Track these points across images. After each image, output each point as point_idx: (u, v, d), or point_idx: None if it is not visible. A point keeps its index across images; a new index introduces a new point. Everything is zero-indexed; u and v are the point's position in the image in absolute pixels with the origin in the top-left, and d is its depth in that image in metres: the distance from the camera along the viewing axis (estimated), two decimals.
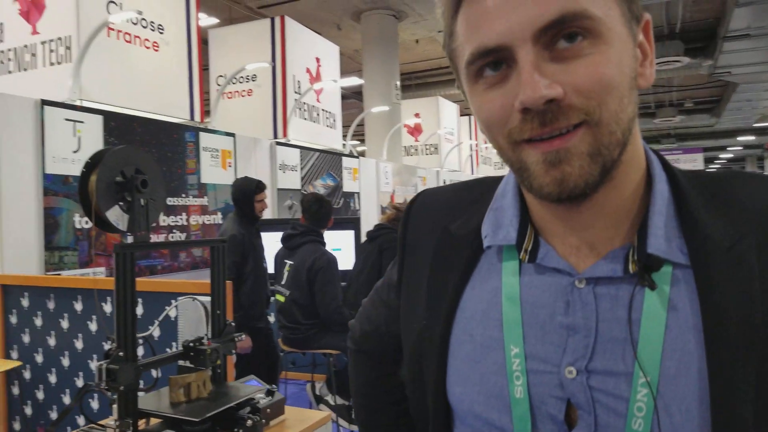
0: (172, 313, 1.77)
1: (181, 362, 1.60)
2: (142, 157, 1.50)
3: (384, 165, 8.79)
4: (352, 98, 15.42)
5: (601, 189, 0.58)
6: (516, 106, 0.54)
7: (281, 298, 3.73)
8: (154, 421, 1.52)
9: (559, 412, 0.59)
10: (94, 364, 2.96)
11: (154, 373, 1.60)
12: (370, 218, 8.28)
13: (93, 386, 1.39)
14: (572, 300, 0.60)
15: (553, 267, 0.62)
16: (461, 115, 13.97)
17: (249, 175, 5.69)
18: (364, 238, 7.75)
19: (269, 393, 1.68)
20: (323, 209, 3.77)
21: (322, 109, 7.74)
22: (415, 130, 12.29)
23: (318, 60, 7.69)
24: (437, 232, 0.74)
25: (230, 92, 7.07)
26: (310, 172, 6.86)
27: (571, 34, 0.53)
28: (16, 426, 3.41)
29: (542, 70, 0.53)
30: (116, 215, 1.45)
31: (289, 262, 3.71)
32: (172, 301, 1.80)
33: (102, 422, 1.46)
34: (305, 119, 7.29)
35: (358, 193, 7.87)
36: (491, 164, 16.79)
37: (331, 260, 3.64)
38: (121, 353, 1.37)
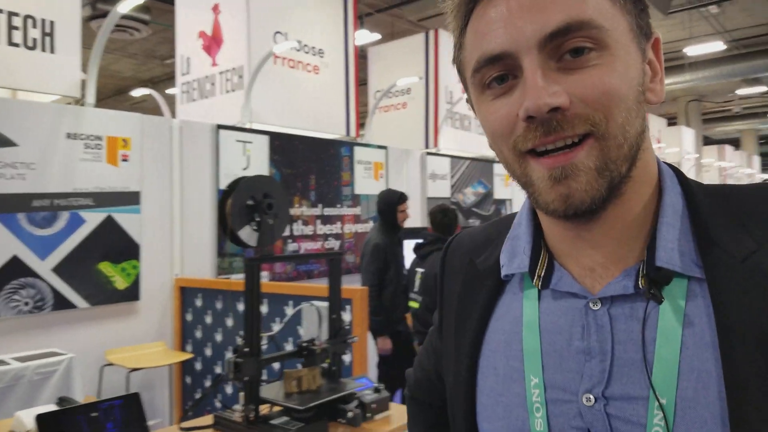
0: (290, 314, 2.02)
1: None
2: (270, 183, 1.77)
3: None
4: None
5: (610, 206, 0.57)
6: (520, 114, 0.54)
7: (415, 305, 3.93)
8: (275, 408, 1.78)
9: None
10: None
11: (277, 366, 1.86)
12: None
13: (225, 377, 1.66)
14: (587, 323, 0.59)
15: (567, 291, 0.61)
16: None
17: (400, 185, 5.99)
18: None
19: (376, 390, 1.87)
20: (446, 218, 3.94)
21: (474, 117, 7.84)
22: None
23: None
24: (465, 268, 0.74)
25: (386, 106, 7.45)
26: (460, 180, 7.00)
27: (578, 48, 0.53)
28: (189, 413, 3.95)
29: (547, 79, 0.53)
30: (247, 234, 1.72)
31: (420, 270, 3.90)
32: (291, 303, 2.06)
33: (233, 407, 1.74)
34: (456, 128, 7.46)
35: (510, 199, 7.85)
36: None
37: None
38: (246, 349, 1.64)
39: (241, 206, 1.69)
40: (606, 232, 0.59)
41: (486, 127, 0.60)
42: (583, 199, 0.54)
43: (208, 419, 1.82)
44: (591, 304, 0.59)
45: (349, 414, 1.72)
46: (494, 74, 0.57)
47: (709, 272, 0.55)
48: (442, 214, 3.97)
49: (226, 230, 1.68)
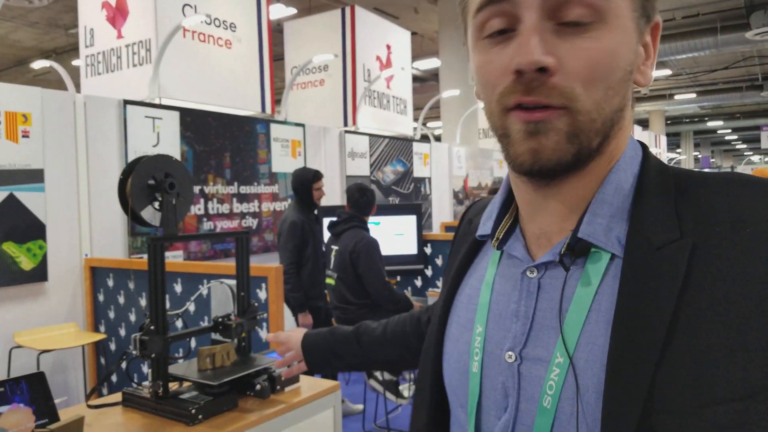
0: (205, 293, 2.03)
1: (213, 335, 1.88)
2: (171, 163, 1.77)
3: (457, 149, 8.88)
4: (432, 80, 15.49)
5: (571, 176, 0.60)
6: (511, 66, 0.56)
7: (331, 281, 4.01)
8: (186, 384, 1.81)
9: (498, 393, 0.64)
10: None
11: (193, 344, 1.89)
12: (442, 203, 8.43)
13: (131, 354, 1.68)
14: (521, 288, 0.64)
15: (516, 256, 0.66)
16: None
17: (318, 163, 6.01)
18: (436, 222, 7.91)
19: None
20: (365, 197, 4.01)
21: (393, 96, 7.93)
22: None
23: (389, 47, 7.86)
24: (464, 228, 0.82)
25: (303, 83, 7.41)
26: (379, 158, 7.09)
27: (577, 21, 0.55)
28: (105, 391, 3.89)
29: (543, 37, 0.55)
30: (150, 213, 1.72)
31: (335, 247, 3.97)
32: (205, 282, 2.08)
33: (143, 384, 1.75)
34: (375, 107, 7.52)
35: (429, 177, 8.02)
36: None
37: (371, 242, 3.88)
38: (152, 327, 1.65)
39: (141, 186, 1.69)
40: (559, 200, 0.62)
41: (479, 75, 0.62)
42: (549, 157, 0.57)
43: (116, 396, 1.83)
44: (528, 272, 0.64)
45: (258, 387, 1.77)
46: (494, 22, 0.58)
47: (626, 253, 0.57)
48: (360, 193, 4.03)
49: (127, 211, 1.68)
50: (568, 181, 0.60)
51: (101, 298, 3.93)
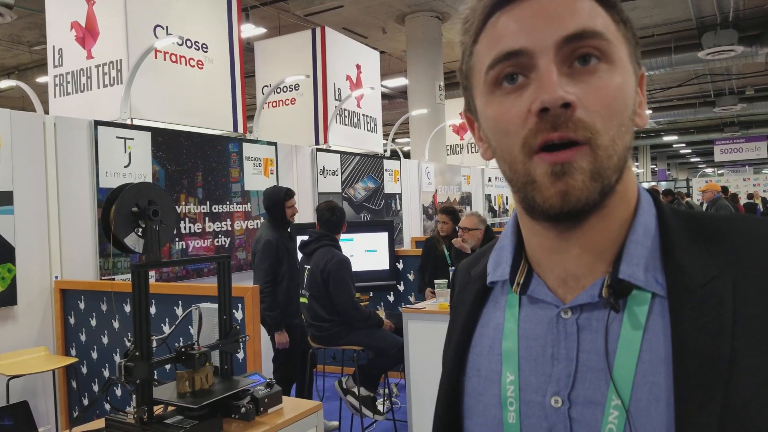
0: (193, 316, 2.05)
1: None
2: (154, 190, 1.80)
3: (426, 165, 8.99)
4: (400, 98, 15.67)
5: (594, 216, 0.61)
6: (535, 107, 0.57)
7: (304, 300, 4.04)
8: (170, 408, 1.82)
9: None
10: None
11: (168, 367, 1.90)
12: (412, 218, 8.52)
13: (115, 380, 1.69)
14: (558, 331, 0.63)
15: (542, 299, 0.66)
16: None
17: (290, 181, 6.04)
18: (407, 237, 7.98)
19: (268, 385, 1.96)
20: (334, 216, 4.07)
21: (363, 114, 8.01)
22: (461, 129, 12.41)
23: (359, 67, 7.96)
24: (462, 279, 0.80)
25: (274, 101, 7.44)
26: (350, 175, 7.15)
27: (587, 56, 0.58)
28: (75, 415, 3.82)
29: (558, 78, 0.58)
30: (133, 240, 1.75)
31: (307, 266, 4.01)
32: (180, 303, 2.10)
33: (126, 410, 1.76)
34: (346, 125, 7.59)
35: (399, 194, 8.11)
36: None
37: (342, 261, 3.93)
38: (137, 353, 1.67)
39: (125, 214, 1.71)
40: (583, 242, 0.63)
41: (497, 125, 0.62)
42: (579, 197, 0.58)
43: (99, 423, 1.83)
44: (562, 313, 0.64)
45: (242, 409, 1.80)
46: (508, 70, 0.60)
47: (670, 292, 0.58)
48: (330, 212, 4.09)
49: (109, 238, 1.70)
50: (590, 222, 0.62)
51: (72, 321, 3.88)
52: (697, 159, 36.87)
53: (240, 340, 1.96)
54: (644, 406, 0.57)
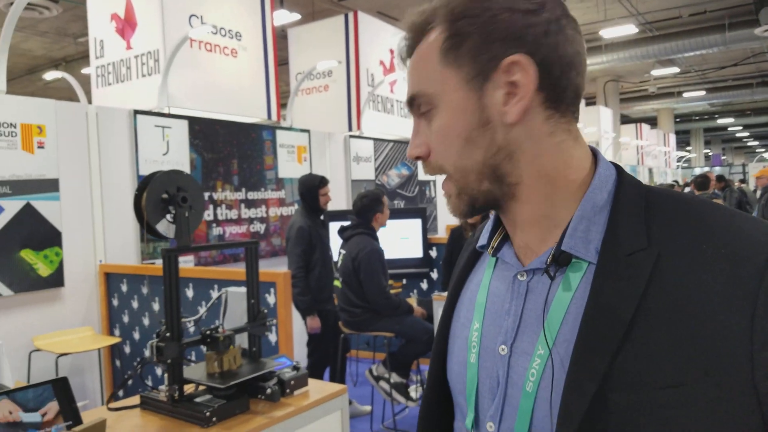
0: (222, 299, 2.13)
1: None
2: (182, 177, 1.87)
3: None
4: None
5: (508, 205, 0.73)
6: None
7: (338, 284, 4.11)
8: (201, 387, 1.91)
9: (492, 380, 0.74)
10: None
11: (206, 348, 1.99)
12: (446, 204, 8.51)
13: (148, 360, 1.78)
14: (513, 290, 0.74)
15: (507, 261, 0.77)
16: None
17: (323, 168, 6.11)
18: (441, 225, 7.98)
19: (295, 368, 2.03)
20: (361, 202, 4.13)
21: (396, 100, 8.02)
22: None
23: (392, 51, 7.95)
24: (467, 242, 0.94)
25: (307, 88, 7.51)
26: (384, 162, 7.18)
27: (421, 106, 0.74)
28: (120, 394, 4.00)
29: (417, 130, 0.76)
30: (164, 226, 1.83)
31: (343, 251, 4.07)
32: (216, 287, 2.18)
33: (159, 388, 1.86)
34: (379, 111, 7.61)
35: (434, 180, 8.11)
36: None
37: (373, 251, 3.97)
38: (168, 334, 1.76)
39: (156, 201, 1.79)
40: (520, 222, 0.74)
41: None
42: (459, 212, 0.75)
43: (135, 399, 1.93)
44: (518, 275, 0.74)
45: (268, 391, 1.88)
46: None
47: (600, 260, 0.66)
48: (359, 199, 4.17)
49: (143, 224, 1.78)
50: (510, 209, 0.74)
51: (115, 302, 4.05)
52: (755, 142, 35.59)
53: (268, 323, 2.03)
54: (559, 359, 0.66)
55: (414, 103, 0.75)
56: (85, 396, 4.04)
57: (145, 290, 3.84)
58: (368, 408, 4.49)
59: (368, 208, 4.12)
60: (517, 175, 0.71)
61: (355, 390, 5.18)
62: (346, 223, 4.28)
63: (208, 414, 1.70)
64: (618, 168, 0.74)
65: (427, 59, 0.73)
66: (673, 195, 0.70)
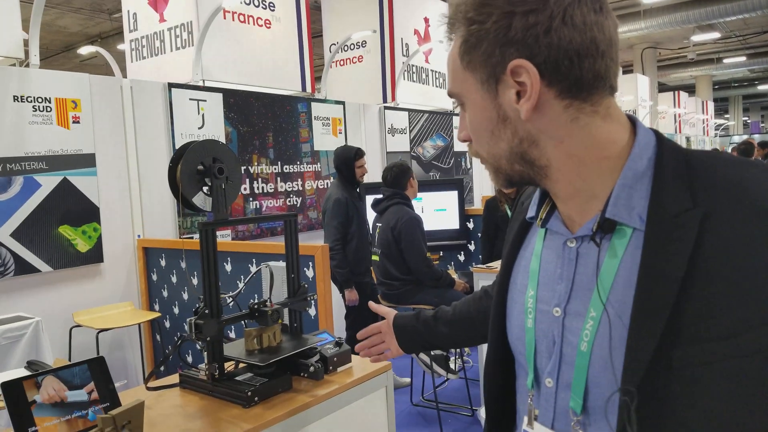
0: (262, 274, 2.06)
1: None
2: (218, 147, 1.79)
3: None
4: None
5: (543, 183, 0.80)
6: None
7: (376, 258, 4.03)
8: (241, 365, 1.85)
9: (549, 341, 0.80)
10: None
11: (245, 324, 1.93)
12: (483, 177, 8.34)
13: (187, 337, 1.73)
14: (564, 256, 0.80)
15: (556, 231, 0.82)
16: None
17: (359, 140, 6.01)
18: (477, 196, 7.83)
19: (337, 344, 1.95)
20: (390, 172, 4.12)
21: (431, 70, 7.83)
22: None
23: (426, 20, 7.74)
24: (519, 208, 0.98)
25: (342, 60, 7.37)
26: (419, 133, 7.04)
27: (456, 101, 0.83)
28: (162, 369, 4.02)
29: (462, 117, 0.84)
30: (201, 199, 1.75)
31: (379, 224, 3.98)
32: (254, 261, 2.11)
33: (199, 366, 1.80)
34: (414, 81, 7.43)
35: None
36: None
37: (413, 219, 3.90)
38: (206, 311, 1.70)
39: (191, 173, 1.71)
40: (561, 196, 0.79)
41: None
42: (496, 183, 0.84)
43: (174, 378, 1.89)
44: (568, 242, 0.80)
45: (311, 368, 1.80)
46: None
47: (647, 225, 0.70)
48: (387, 171, 4.14)
49: (178, 198, 1.71)
50: (547, 186, 0.80)
51: (154, 277, 4.05)
52: None
53: (309, 298, 1.96)
54: (612, 320, 0.71)
55: (452, 98, 0.83)
56: (126, 372, 4.07)
57: (183, 265, 3.82)
58: (407, 380, 4.44)
59: (400, 176, 4.07)
60: (546, 159, 0.76)
61: (393, 362, 5.12)
62: (380, 197, 4.20)
63: (249, 393, 1.63)
64: (657, 134, 0.76)
65: (453, 60, 0.79)
66: (714, 156, 0.72)
